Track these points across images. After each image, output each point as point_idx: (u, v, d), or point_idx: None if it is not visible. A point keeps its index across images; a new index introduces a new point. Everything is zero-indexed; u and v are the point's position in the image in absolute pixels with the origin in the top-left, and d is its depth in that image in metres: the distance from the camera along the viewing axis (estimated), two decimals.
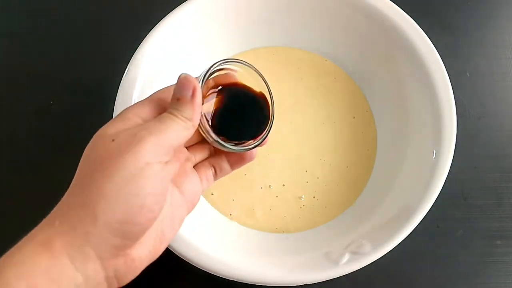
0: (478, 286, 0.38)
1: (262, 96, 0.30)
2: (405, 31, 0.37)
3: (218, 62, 0.28)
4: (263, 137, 0.30)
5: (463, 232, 0.40)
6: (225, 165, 0.31)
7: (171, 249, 0.32)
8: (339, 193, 0.39)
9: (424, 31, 0.37)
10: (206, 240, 0.34)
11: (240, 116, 0.30)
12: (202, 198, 0.39)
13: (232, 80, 0.29)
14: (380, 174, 0.39)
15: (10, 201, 0.40)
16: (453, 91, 0.35)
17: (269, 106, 0.30)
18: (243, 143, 0.29)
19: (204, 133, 0.28)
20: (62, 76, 0.44)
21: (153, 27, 0.36)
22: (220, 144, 0.28)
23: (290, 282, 0.32)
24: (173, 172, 0.25)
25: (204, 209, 0.38)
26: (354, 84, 0.42)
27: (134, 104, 0.26)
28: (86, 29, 0.46)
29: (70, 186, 0.23)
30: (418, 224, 0.32)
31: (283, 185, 0.39)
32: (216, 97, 0.29)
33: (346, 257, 0.32)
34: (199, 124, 0.27)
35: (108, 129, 0.24)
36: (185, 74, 0.25)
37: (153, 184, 0.23)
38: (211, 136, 0.27)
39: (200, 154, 0.30)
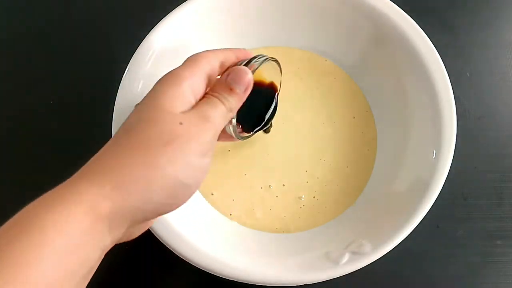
0: (478, 286, 0.38)
1: (271, 87, 0.31)
2: (405, 31, 0.37)
3: (260, 58, 0.28)
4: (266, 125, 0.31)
5: (463, 232, 0.40)
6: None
7: (171, 249, 0.32)
8: (339, 193, 0.39)
9: (424, 31, 0.37)
10: (206, 240, 0.34)
11: (249, 104, 0.30)
12: (202, 198, 0.39)
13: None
14: (380, 174, 0.39)
15: (10, 201, 0.40)
16: (453, 91, 0.35)
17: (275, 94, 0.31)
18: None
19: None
20: (62, 75, 0.44)
21: (153, 27, 0.36)
22: (240, 136, 0.29)
23: (290, 282, 0.32)
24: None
25: (204, 209, 0.38)
26: (354, 84, 0.42)
27: (183, 71, 0.25)
28: (86, 29, 0.46)
29: (115, 144, 0.23)
30: (418, 224, 0.32)
31: (283, 185, 0.39)
32: None
33: (346, 257, 0.32)
34: None
35: (170, 105, 0.24)
36: (245, 67, 0.26)
37: (202, 176, 0.24)
38: (234, 127, 0.29)
39: None
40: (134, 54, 0.36)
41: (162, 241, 0.32)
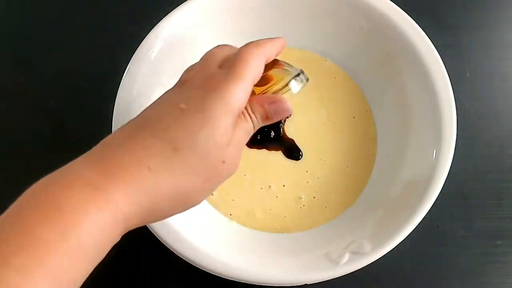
0: (478, 286, 0.38)
1: None
2: (405, 31, 0.37)
3: (301, 82, 0.30)
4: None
5: (463, 232, 0.40)
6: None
7: (171, 249, 0.32)
8: (339, 193, 0.39)
9: (424, 31, 0.37)
10: (206, 240, 0.34)
11: None
12: None
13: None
14: (380, 174, 0.39)
15: (10, 201, 0.40)
16: (453, 91, 0.35)
17: None
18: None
19: None
20: (62, 75, 0.44)
21: (153, 27, 0.36)
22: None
23: (290, 282, 0.32)
24: None
25: (204, 209, 0.38)
26: (354, 84, 0.42)
27: (235, 86, 0.24)
28: (86, 29, 0.46)
29: (150, 140, 0.23)
30: (418, 224, 0.32)
31: (283, 185, 0.39)
32: None
33: (346, 257, 0.32)
34: None
35: (220, 135, 0.24)
36: (288, 103, 0.27)
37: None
38: None
39: None
40: (134, 54, 0.36)
41: (162, 241, 0.32)
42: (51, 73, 0.44)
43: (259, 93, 0.28)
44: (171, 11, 0.37)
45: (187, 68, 0.28)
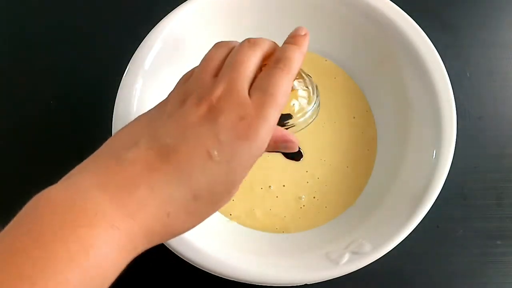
0: (478, 286, 0.38)
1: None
2: (405, 31, 0.37)
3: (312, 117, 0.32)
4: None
5: (463, 232, 0.40)
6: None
7: (170, 249, 0.32)
8: (339, 193, 0.39)
9: (424, 31, 0.37)
10: (206, 240, 0.34)
11: None
12: None
13: None
14: (380, 174, 0.39)
15: (10, 200, 0.40)
16: (453, 91, 0.35)
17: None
18: None
19: None
20: (62, 76, 0.44)
21: (153, 27, 0.36)
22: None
23: (290, 282, 0.32)
24: None
25: None
26: (354, 84, 0.42)
27: (268, 129, 0.24)
28: (86, 29, 0.46)
29: (150, 160, 0.22)
30: (418, 224, 0.32)
31: (283, 185, 0.39)
32: None
33: (346, 257, 0.32)
34: None
35: (242, 178, 0.24)
36: (297, 141, 0.28)
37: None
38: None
39: None
40: (134, 54, 0.36)
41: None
42: (51, 73, 0.44)
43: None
44: (171, 11, 0.37)
45: (185, 76, 0.27)
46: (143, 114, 0.26)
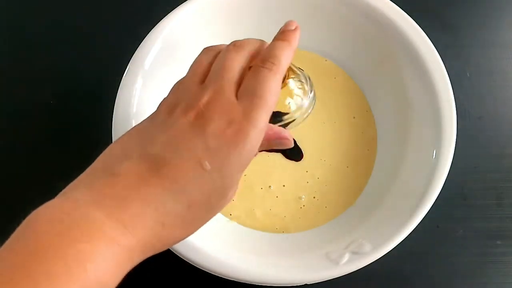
0: (478, 286, 0.38)
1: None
2: (405, 31, 0.37)
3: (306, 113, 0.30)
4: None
5: (463, 232, 0.40)
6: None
7: (171, 249, 0.32)
8: (339, 193, 0.39)
9: (424, 31, 0.37)
10: (206, 240, 0.34)
11: None
12: None
13: None
14: (380, 174, 0.39)
15: (10, 200, 0.40)
16: (453, 91, 0.35)
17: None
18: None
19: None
20: (62, 76, 0.44)
21: (153, 27, 0.36)
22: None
23: (290, 282, 0.32)
24: None
25: None
26: (354, 84, 0.42)
27: (258, 133, 0.24)
28: (86, 29, 0.46)
29: (139, 170, 0.22)
30: (418, 224, 0.32)
31: (283, 185, 0.39)
32: None
33: (346, 257, 0.32)
34: None
35: (235, 186, 0.25)
36: (291, 137, 0.27)
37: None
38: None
39: None
40: (134, 54, 0.36)
41: None
42: (51, 73, 0.44)
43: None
44: (171, 11, 0.37)
45: (176, 85, 0.27)
46: (135, 126, 0.26)
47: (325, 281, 0.32)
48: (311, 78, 0.32)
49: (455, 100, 0.35)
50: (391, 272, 0.38)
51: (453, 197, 0.40)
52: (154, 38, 0.36)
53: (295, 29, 0.28)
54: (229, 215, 0.38)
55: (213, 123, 0.23)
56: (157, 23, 0.36)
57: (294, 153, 0.40)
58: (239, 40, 0.27)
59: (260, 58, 0.26)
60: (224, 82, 0.24)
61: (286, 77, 0.31)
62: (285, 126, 0.31)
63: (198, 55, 0.28)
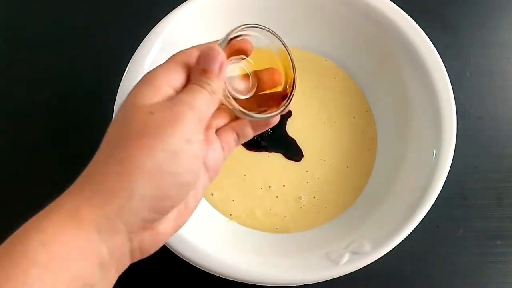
0: (478, 286, 0.38)
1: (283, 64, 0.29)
2: (405, 31, 0.37)
3: (238, 27, 0.27)
4: (286, 104, 0.28)
5: (463, 232, 0.40)
6: (248, 129, 0.29)
7: (171, 249, 0.32)
8: (339, 193, 0.39)
9: (424, 31, 0.37)
10: (206, 240, 0.34)
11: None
12: (202, 198, 0.38)
13: (249, 47, 0.28)
14: (380, 174, 0.39)
15: (9, 200, 0.40)
16: (453, 91, 0.35)
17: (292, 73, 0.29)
18: (265, 110, 0.28)
19: (225, 100, 0.26)
20: (62, 76, 0.44)
21: (153, 27, 0.36)
22: (243, 112, 0.26)
23: (290, 282, 0.32)
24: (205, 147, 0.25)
25: (204, 209, 0.38)
26: (354, 84, 0.42)
27: (158, 68, 0.25)
28: (87, 29, 0.46)
29: (97, 154, 0.22)
30: (418, 224, 0.32)
31: (283, 185, 0.39)
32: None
33: (346, 257, 0.32)
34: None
35: (142, 99, 0.23)
36: (211, 44, 0.25)
37: (193, 162, 0.23)
38: (233, 105, 0.26)
39: (221, 119, 0.28)
40: (134, 54, 0.36)
41: None
42: (51, 73, 0.44)
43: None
44: (171, 11, 0.37)
45: None
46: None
47: (325, 281, 0.32)
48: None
49: (455, 100, 0.35)
50: (391, 272, 0.38)
51: (453, 197, 0.40)
52: (154, 38, 0.36)
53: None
54: (229, 215, 0.38)
55: None
56: (157, 23, 0.36)
57: (294, 153, 0.40)
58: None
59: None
60: None
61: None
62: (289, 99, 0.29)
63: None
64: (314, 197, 0.39)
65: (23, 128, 0.43)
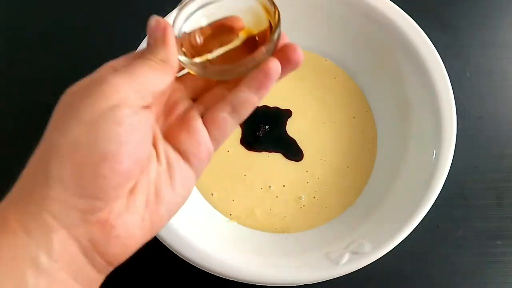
0: (478, 286, 0.38)
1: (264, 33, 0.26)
2: (405, 31, 0.37)
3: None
4: (274, 33, 0.24)
5: (463, 232, 0.40)
6: (248, 95, 0.23)
7: (171, 249, 0.32)
8: (339, 193, 0.39)
9: (424, 31, 0.37)
10: (207, 240, 0.34)
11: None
12: (202, 198, 0.38)
13: (235, 24, 0.25)
14: (380, 174, 0.39)
15: None
16: (453, 91, 0.35)
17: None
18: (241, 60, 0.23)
19: (184, 64, 0.23)
20: (62, 75, 0.44)
21: None
22: (203, 64, 0.23)
23: (290, 282, 0.32)
24: (152, 119, 0.21)
25: (204, 209, 0.38)
26: (354, 84, 0.42)
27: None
28: (87, 29, 0.46)
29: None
30: (418, 224, 0.32)
31: (283, 185, 0.39)
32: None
33: (346, 257, 0.32)
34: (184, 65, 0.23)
35: (74, 86, 0.21)
36: (154, 16, 0.23)
37: (122, 130, 0.19)
38: (193, 62, 0.23)
39: (210, 101, 0.24)
40: None
41: (162, 241, 0.32)
42: (51, 73, 0.44)
43: None
44: (171, 11, 0.37)
45: None
46: None
47: (325, 281, 0.32)
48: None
49: (455, 100, 0.35)
50: (391, 272, 0.38)
51: (453, 197, 0.40)
52: None
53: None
54: (229, 215, 0.38)
55: None
56: None
57: (294, 153, 0.40)
58: None
59: None
60: None
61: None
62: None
63: None
64: (314, 197, 0.39)
65: (23, 128, 0.43)
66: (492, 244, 0.39)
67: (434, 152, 0.34)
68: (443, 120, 0.35)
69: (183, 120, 0.23)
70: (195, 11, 0.26)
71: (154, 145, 0.22)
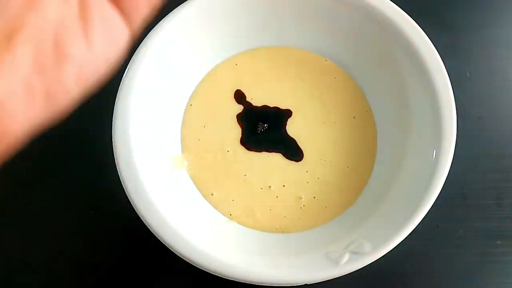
0: (478, 286, 0.38)
1: None
2: (405, 31, 0.37)
3: None
4: None
5: (463, 232, 0.40)
6: None
7: (170, 249, 0.32)
8: (339, 193, 0.39)
9: (424, 31, 0.37)
10: (206, 240, 0.34)
11: None
12: (202, 198, 0.39)
13: None
14: (380, 174, 0.39)
15: (10, 200, 0.40)
16: (453, 91, 0.35)
17: None
18: None
19: None
20: None
21: (153, 27, 0.36)
22: None
23: (290, 282, 0.32)
24: None
25: (204, 209, 0.38)
26: (354, 84, 0.42)
27: None
28: None
29: None
30: (418, 224, 0.32)
31: (283, 185, 0.39)
32: None
33: (346, 257, 0.32)
34: None
35: None
36: None
37: None
38: None
39: None
40: (134, 54, 0.36)
41: (161, 241, 0.32)
42: None
43: None
44: (171, 11, 0.37)
45: None
46: None
47: (325, 281, 0.32)
48: None
49: (455, 100, 0.35)
50: (391, 272, 0.38)
51: (453, 197, 0.40)
52: (154, 37, 0.36)
53: None
54: (229, 215, 0.38)
55: None
56: (157, 23, 0.36)
57: (294, 153, 0.40)
58: None
59: None
60: None
61: None
62: None
63: None
64: (314, 197, 0.39)
65: None
66: (492, 244, 0.39)
67: (434, 152, 0.34)
68: (443, 120, 0.35)
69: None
70: None
71: None
